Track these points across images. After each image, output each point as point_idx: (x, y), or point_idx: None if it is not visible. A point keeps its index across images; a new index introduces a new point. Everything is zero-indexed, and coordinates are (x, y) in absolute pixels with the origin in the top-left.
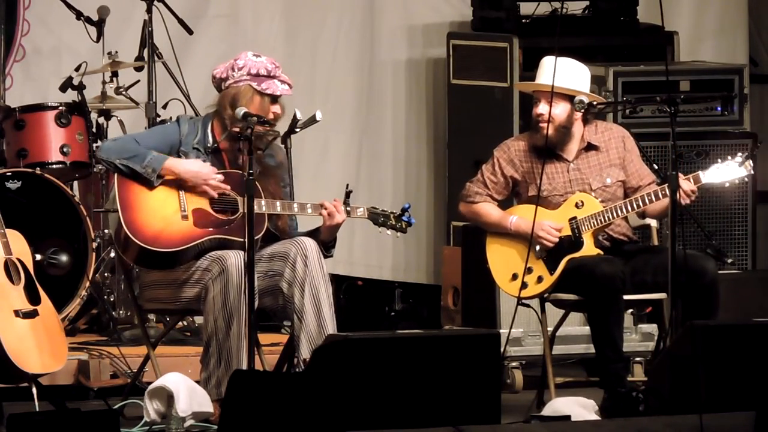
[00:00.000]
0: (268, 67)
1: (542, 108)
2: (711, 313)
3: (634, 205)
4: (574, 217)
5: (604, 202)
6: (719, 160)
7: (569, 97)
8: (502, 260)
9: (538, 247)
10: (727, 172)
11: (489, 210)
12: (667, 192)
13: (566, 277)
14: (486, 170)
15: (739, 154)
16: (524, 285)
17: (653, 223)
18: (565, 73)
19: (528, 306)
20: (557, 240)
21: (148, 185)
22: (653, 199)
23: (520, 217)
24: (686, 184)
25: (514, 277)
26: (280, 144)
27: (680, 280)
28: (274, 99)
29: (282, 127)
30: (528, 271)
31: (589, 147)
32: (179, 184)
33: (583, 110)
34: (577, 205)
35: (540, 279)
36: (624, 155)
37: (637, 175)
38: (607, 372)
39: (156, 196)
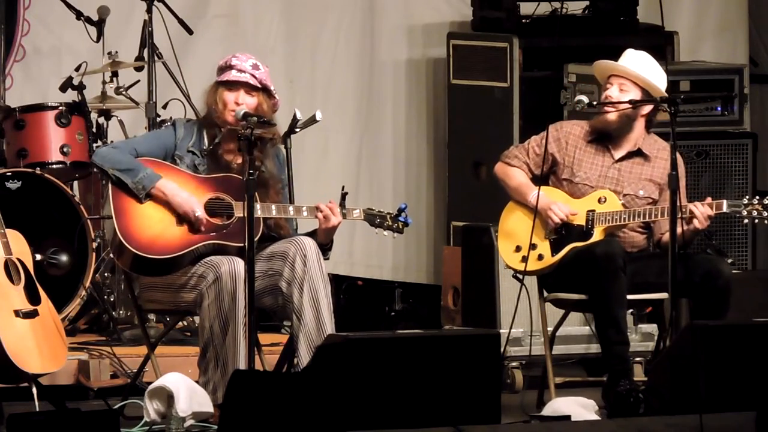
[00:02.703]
0: (227, 61)
1: (611, 91)
2: (722, 315)
3: (653, 215)
4: (593, 210)
5: (627, 208)
6: (746, 198)
7: (642, 89)
8: (512, 230)
9: (549, 224)
10: (749, 211)
11: (518, 176)
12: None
13: (567, 264)
14: (533, 140)
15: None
16: (524, 258)
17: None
18: (644, 65)
19: (520, 281)
20: (563, 221)
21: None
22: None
23: (543, 193)
24: (705, 209)
25: (518, 249)
26: (279, 147)
27: (694, 280)
28: (230, 87)
29: (282, 127)
30: (532, 247)
31: (638, 153)
32: None
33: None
34: (600, 200)
35: (540, 257)
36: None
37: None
38: (611, 354)
39: (150, 202)
